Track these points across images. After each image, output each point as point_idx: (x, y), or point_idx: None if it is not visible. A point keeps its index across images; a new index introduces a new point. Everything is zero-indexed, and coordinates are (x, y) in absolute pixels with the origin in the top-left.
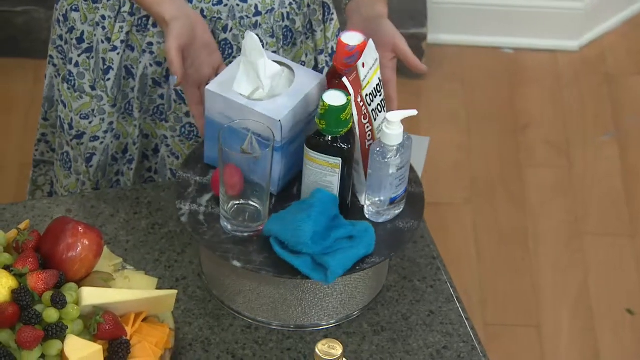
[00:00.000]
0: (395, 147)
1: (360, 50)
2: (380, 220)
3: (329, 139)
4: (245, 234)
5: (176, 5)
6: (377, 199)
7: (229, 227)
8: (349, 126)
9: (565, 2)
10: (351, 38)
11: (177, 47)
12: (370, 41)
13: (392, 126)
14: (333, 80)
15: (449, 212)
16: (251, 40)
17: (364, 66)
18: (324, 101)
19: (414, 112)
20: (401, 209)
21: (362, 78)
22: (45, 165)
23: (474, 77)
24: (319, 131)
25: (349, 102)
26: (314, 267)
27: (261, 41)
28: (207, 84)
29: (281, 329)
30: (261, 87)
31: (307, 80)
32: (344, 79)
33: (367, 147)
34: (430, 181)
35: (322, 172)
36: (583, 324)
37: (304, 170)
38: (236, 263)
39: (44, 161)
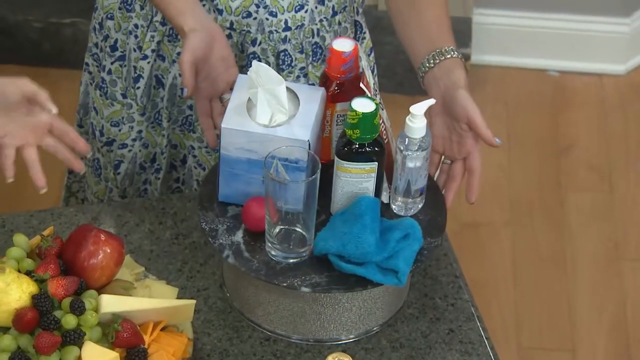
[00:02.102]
0: (419, 140)
1: (355, 55)
2: (410, 214)
3: (358, 145)
4: (291, 260)
5: (196, 17)
6: (403, 193)
7: (276, 254)
8: (380, 129)
9: (611, 26)
10: (343, 45)
11: (191, 60)
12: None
13: (416, 119)
14: (329, 89)
15: (487, 233)
16: (264, 69)
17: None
18: (355, 110)
19: (432, 101)
20: (424, 202)
21: (369, 81)
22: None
23: (518, 98)
24: (349, 140)
25: (377, 106)
26: (383, 272)
27: (290, 57)
28: (220, 98)
29: (299, 343)
30: (283, 112)
31: (311, 97)
32: (362, 84)
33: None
34: None
35: (358, 180)
36: (618, 350)
37: (335, 183)
38: (305, 289)
39: None
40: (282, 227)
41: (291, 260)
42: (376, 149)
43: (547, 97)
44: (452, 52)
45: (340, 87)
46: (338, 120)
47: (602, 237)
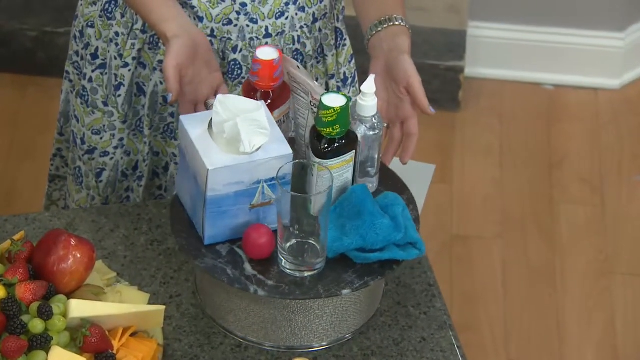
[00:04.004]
0: (370, 118)
1: (281, 57)
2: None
3: (338, 139)
4: (307, 274)
5: (179, 23)
6: (358, 173)
7: (291, 268)
8: None
9: (606, 40)
10: (269, 53)
11: (174, 65)
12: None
13: (367, 98)
14: (266, 100)
15: (477, 245)
16: (232, 100)
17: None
18: (332, 107)
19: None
20: (378, 182)
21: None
22: (60, 180)
23: (512, 111)
24: (329, 139)
25: (346, 96)
26: (403, 249)
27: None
28: (205, 102)
29: (271, 350)
30: (265, 134)
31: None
32: (292, 71)
33: None
34: (460, 214)
35: (340, 174)
36: None
37: (315, 184)
38: (275, 295)
39: (58, 176)
40: (296, 240)
41: (307, 274)
42: (353, 136)
43: (542, 110)
44: (401, 21)
45: (274, 94)
46: (282, 126)
47: (593, 250)
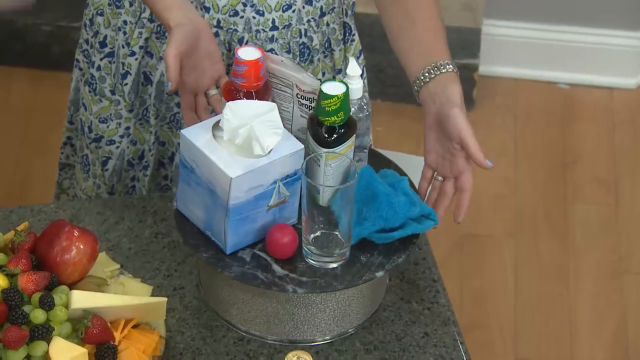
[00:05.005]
0: (357, 101)
1: (263, 54)
2: None
3: (341, 125)
4: (332, 265)
5: (183, 12)
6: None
7: (316, 260)
8: None
9: (622, 39)
10: (251, 53)
11: (175, 54)
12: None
13: (353, 81)
14: (233, 95)
15: (488, 244)
16: (241, 105)
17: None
18: (336, 95)
19: (354, 60)
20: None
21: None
22: (69, 168)
23: (527, 110)
24: (331, 127)
25: (343, 81)
26: (419, 222)
27: (276, 55)
28: (205, 93)
29: (273, 343)
30: (278, 133)
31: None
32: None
33: None
34: (472, 212)
35: (345, 159)
36: None
37: (324, 174)
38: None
39: (68, 164)
40: (320, 231)
41: (330, 266)
42: (354, 118)
43: (557, 109)
44: (448, 66)
45: (257, 93)
46: None
47: (606, 250)
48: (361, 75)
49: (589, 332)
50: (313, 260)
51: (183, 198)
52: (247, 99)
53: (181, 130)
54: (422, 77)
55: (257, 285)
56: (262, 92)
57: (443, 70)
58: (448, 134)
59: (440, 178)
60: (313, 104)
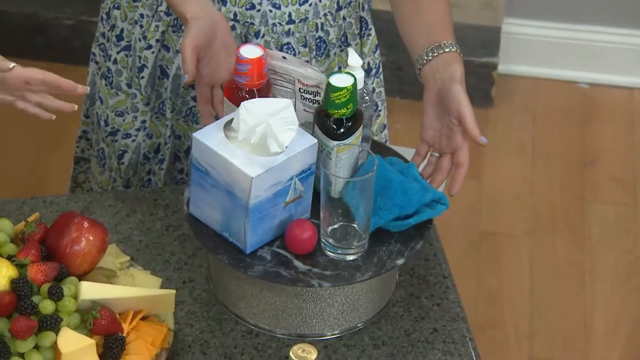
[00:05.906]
0: (360, 91)
1: (265, 51)
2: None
3: (349, 117)
4: (350, 258)
5: (200, 5)
6: None
7: (334, 252)
8: None
9: None
10: (253, 51)
11: (192, 47)
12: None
13: (355, 71)
14: (235, 94)
15: (506, 242)
16: (256, 103)
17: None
18: (345, 87)
19: (352, 50)
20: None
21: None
22: (85, 162)
23: (546, 109)
24: (340, 119)
25: (350, 73)
26: (431, 207)
27: (293, 50)
28: (221, 86)
29: (282, 337)
30: (293, 129)
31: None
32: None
33: None
34: (490, 211)
35: (355, 149)
36: None
37: (336, 167)
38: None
39: (83, 158)
40: (339, 224)
41: (349, 258)
42: (361, 109)
43: (576, 109)
44: (451, 47)
45: (259, 91)
46: None
47: (623, 250)
48: (377, 71)
49: (604, 333)
50: (332, 253)
51: (196, 201)
52: (249, 97)
53: (193, 134)
54: (425, 56)
55: (282, 283)
56: (264, 90)
57: (447, 50)
58: (447, 108)
59: (436, 154)
60: (317, 98)
